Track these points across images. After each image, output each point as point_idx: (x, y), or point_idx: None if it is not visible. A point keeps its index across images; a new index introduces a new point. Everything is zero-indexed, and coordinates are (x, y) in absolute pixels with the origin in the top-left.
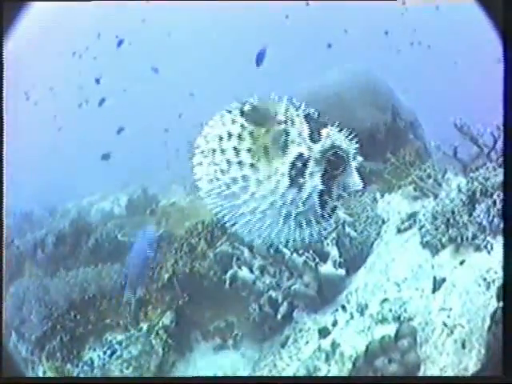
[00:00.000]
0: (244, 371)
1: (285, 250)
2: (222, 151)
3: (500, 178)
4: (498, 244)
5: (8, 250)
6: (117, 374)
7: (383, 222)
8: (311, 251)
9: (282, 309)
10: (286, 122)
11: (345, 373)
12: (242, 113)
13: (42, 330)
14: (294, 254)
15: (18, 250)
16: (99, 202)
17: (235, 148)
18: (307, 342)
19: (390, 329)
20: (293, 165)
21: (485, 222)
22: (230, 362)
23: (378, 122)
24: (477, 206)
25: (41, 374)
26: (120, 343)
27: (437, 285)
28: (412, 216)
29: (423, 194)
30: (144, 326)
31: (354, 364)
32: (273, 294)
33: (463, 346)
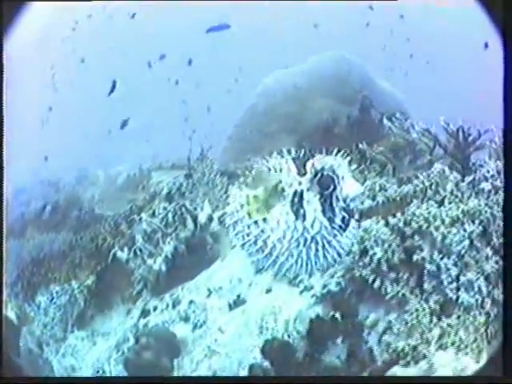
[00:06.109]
0: None
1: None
2: (241, 219)
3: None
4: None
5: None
6: (51, 315)
7: None
8: None
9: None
10: (276, 171)
11: None
12: (247, 185)
13: (13, 277)
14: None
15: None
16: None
17: (248, 213)
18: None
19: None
20: (292, 202)
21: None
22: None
23: (338, 114)
24: None
25: (9, 310)
26: (57, 293)
27: (235, 303)
28: None
29: None
30: (73, 282)
31: None
32: (136, 274)
33: None
